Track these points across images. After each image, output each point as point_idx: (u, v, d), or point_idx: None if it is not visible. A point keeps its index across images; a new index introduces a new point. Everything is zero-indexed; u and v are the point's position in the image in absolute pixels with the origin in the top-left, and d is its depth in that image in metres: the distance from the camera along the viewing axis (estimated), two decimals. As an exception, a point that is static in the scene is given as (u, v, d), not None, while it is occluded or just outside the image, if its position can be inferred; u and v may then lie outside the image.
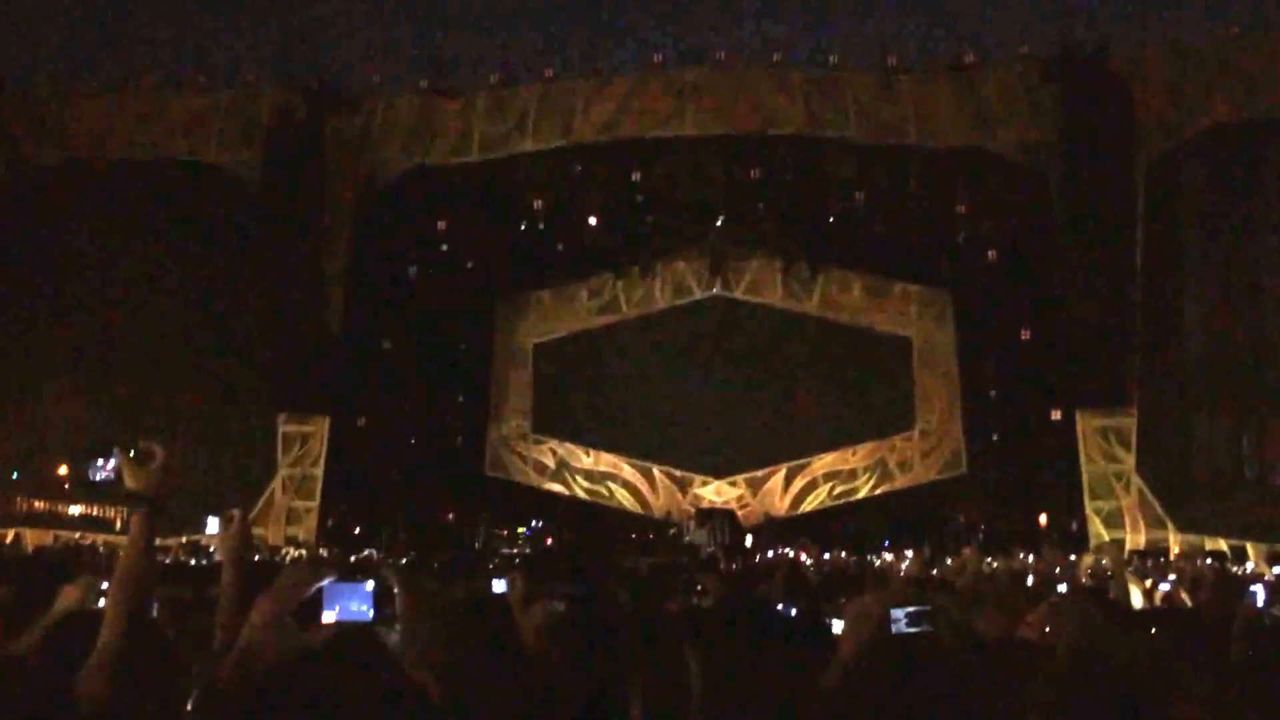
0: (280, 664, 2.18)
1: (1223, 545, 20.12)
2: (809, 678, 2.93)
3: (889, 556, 19.50)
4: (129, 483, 2.92)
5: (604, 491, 29.69)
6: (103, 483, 3.26)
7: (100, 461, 3.28)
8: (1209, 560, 16.50)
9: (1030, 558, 17.16)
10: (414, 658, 2.44)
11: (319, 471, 25.15)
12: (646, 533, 27.56)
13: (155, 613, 4.07)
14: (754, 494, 29.20)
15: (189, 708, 2.20)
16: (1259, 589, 5.57)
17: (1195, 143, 22.74)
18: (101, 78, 26.59)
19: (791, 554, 20.46)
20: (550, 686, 3.19)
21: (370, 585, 2.45)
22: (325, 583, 2.44)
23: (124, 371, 25.21)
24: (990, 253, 25.90)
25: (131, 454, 2.92)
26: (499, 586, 7.36)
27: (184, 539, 21.76)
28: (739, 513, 28.15)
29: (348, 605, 2.41)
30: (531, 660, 3.47)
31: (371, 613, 2.42)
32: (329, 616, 2.41)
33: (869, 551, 21.06)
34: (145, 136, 25.55)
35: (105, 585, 3.81)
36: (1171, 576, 12.51)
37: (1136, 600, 6.63)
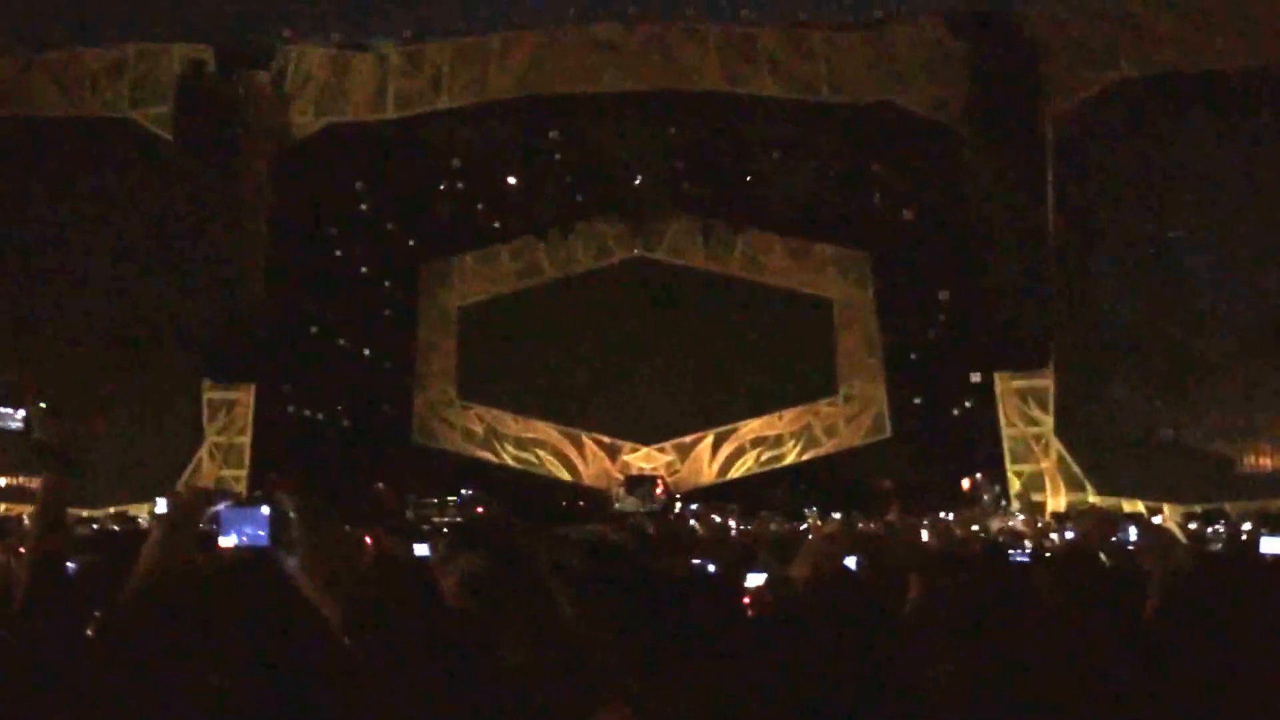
0: (179, 586, 2.23)
1: (1140, 506, 20.63)
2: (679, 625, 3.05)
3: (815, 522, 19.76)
4: (39, 434, 2.89)
5: (533, 459, 29.76)
6: (10, 431, 3.20)
7: (10, 410, 3.23)
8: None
9: (951, 518, 17.53)
10: (313, 585, 2.49)
11: (246, 439, 24.75)
12: (577, 500, 27.71)
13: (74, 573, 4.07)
14: (683, 460, 29.45)
15: (89, 632, 2.24)
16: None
17: (1101, 99, 23.07)
18: (8, 36, 25.71)
19: (717, 519, 20.67)
20: (463, 634, 3.28)
21: (266, 510, 2.47)
22: (221, 508, 2.47)
23: (40, 338, 24.64)
24: (906, 212, 26.16)
25: (44, 406, 2.89)
26: (421, 550, 7.43)
27: (112, 510, 21.43)
28: (667, 480, 28.41)
29: (244, 530, 2.44)
30: (448, 611, 3.55)
31: (268, 537, 2.44)
32: (227, 542, 2.44)
33: (795, 517, 21.32)
34: (55, 93, 24.60)
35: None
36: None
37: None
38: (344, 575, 2.49)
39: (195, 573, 2.34)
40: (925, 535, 10.45)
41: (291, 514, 2.48)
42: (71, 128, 24.71)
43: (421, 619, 3.21)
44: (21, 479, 23.06)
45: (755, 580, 5.50)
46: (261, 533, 2.45)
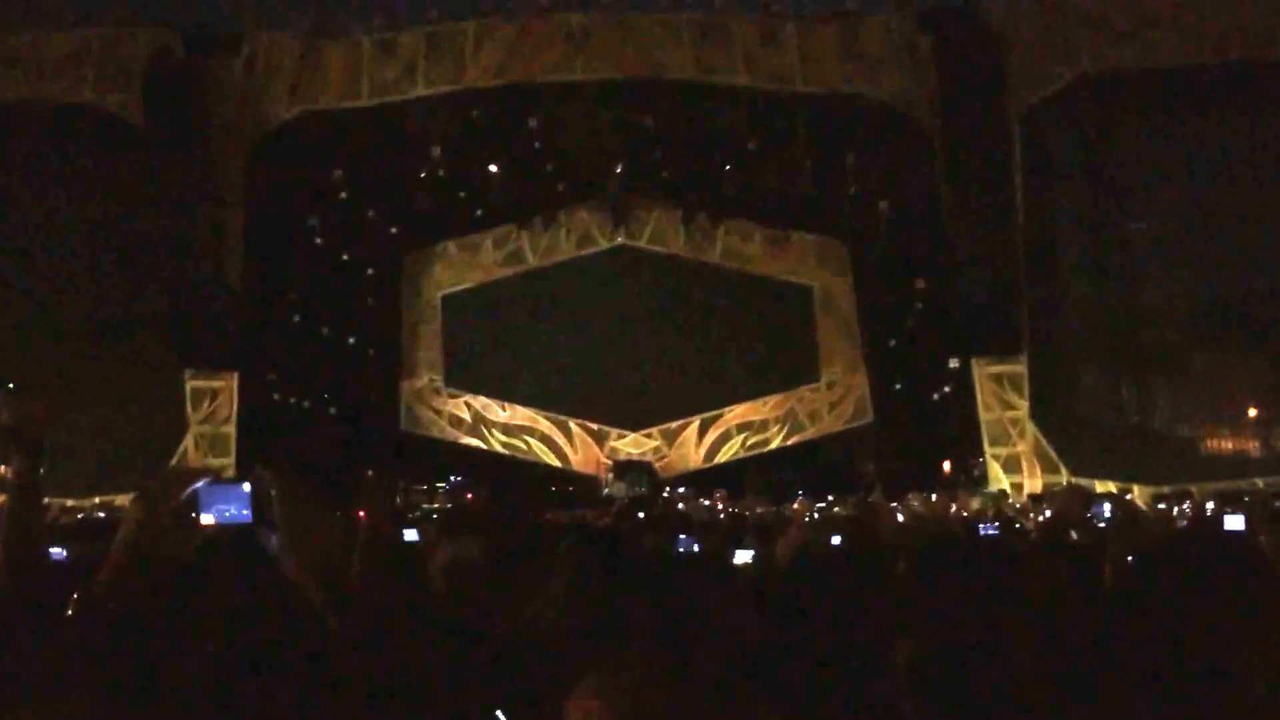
0: (159, 565, 2.26)
1: (1112, 487, 20.85)
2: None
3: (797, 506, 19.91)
4: (4, 418, 2.84)
5: (521, 445, 29.81)
6: None
7: None
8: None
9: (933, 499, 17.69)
10: (295, 564, 2.52)
11: (231, 429, 24.55)
12: (566, 486, 27.77)
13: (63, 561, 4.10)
14: (670, 446, 29.54)
15: (68, 613, 2.25)
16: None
17: (1064, 94, 23.37)
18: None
19: (705, 503, 20.82)
20: (448, 617, 3.34)
21: (247, 487, 2.49)
22: (200, 484, 2.49)
23: (9, 325, 24.21)
24: (882, 204, 26.28)
25: (10, 389, 2.82)
26: (410, 535, 7.52)
27: (97, 500, 21.33)
28: (654, 466, 28.52)
29: (225, 508, 2.46)
30: (434, 593, 3.62)
31: (250, 515, 2.47)
32: (207, 519, 2.46)
33: (781, 501, 21.45)
34: (17, 78, 24.05)
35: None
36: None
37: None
38: (327, 555, 2.54)
39: (174, 550, 2.37)
40: (903, 516, 10.61)
41: (273, 495, 2.51)
42: (37, 112, 24.12)
43: (408, 601, 3.28)
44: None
45: (742, 557, 5.71)
46: (245, 511, 2.48)
